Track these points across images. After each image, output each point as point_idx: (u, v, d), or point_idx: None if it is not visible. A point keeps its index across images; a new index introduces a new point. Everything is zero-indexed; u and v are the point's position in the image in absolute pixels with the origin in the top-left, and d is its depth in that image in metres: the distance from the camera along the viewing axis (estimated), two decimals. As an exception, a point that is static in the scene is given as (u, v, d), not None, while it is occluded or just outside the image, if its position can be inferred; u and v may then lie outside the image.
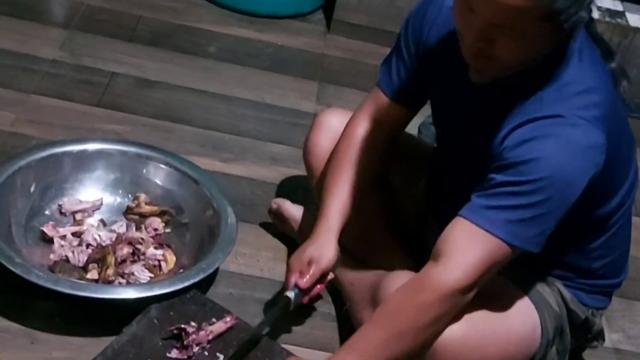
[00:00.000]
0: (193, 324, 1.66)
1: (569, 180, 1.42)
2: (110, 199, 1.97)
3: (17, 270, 1.64)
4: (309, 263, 1.66)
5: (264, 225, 2.08)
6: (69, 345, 1.68)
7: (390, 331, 1.48)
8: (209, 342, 1.65)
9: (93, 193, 1.96)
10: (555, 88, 1.45)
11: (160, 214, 1.95)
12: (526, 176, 1.41)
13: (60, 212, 1.91)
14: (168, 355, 1.62)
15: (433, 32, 1.63)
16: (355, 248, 1.86)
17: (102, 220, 1.93)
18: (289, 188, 2.21)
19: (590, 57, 1.48)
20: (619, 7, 2.94)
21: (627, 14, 2.90)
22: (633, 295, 2.14)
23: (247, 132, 2.41)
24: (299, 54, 2.85)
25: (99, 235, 1.86)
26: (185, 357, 1.62)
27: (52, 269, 1.77)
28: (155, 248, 1.87)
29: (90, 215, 1.93)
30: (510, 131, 1.45)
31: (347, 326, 1.80)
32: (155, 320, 1.67)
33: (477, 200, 1.46)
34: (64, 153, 1.94)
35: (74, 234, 1.86)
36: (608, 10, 2.90)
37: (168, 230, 1.94)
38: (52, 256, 1.81)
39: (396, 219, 1.92)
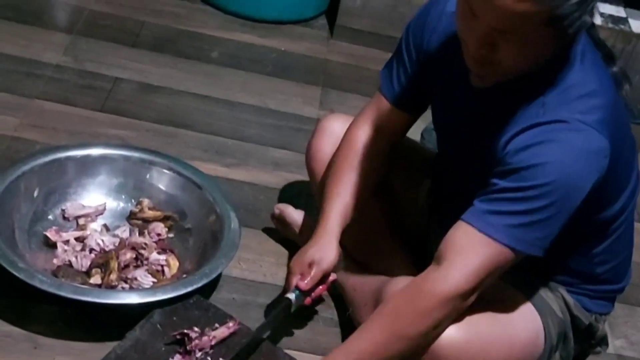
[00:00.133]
0: (196, 329, 1.66)
1: (573, 185, 1.42)
2: (114, 204, 1.97)
3: (21, 275, 1.64)
4: (310, 265, 1.66)
5: (267, 231, 2.08)
6: (72, 350, 1.68)
7: (389, 333, 1.49)
8: (211, 347, 1.65)
9: (96, 198, 1.96)
10: (558, 92, 1.45)
11: (164, 219, 1.95)
12: (529, 182, 1.41)
13: (64, 217, 1.91)
14: (171, 360, 1.63)
15: (434, 37, 1.63)
16: (358, 252, 1.87)
17: (105, 225, 1.93)
18: (292, 193, 2.22)
19: (591, 60, 1.48)
20: (622, 13, 2.94)
21: (630, 20, 2.90)
22: (635, 301, 2.14)
23: (250, 137, 2.41)
24: (301, 59, 2.85)
25: (102, 240, 1.86)
26: (188, 362, 1.63)
27: (55, 273, 1.77)
28: (159, 253, 1.87)
29: (93, 220, 1.93)
30: (513, 136, 1.45)
31: (350, 331, 1.77)
32: (158, 326, 1.67)
33: (480, 205, 1.46)
34: (68, 158, 1.94)
35: (77, 239, 1.86)
36: (611, 16, 2.90)
37: (171, 235, 1.94)
38: (55, 261, 1.81)
39: (399, 224, 1.92)
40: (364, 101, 1.81)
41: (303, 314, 1.85)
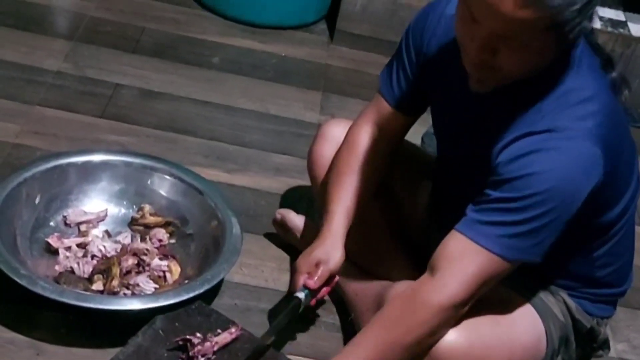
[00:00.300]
0: (198, 335, 1.66)
1: (565, 194, 1.41)
2: (115, 210, 1.97)
3: (23, 282, 1.64)
4: (317, 264, 1.66)
5: (269, 236, 2.08)
6: (75, 357, 1.68)
7: (384, 343, 1.50)
8: (214, 353, 1.65)
9: (98, 204, 1.96)
10: (553, 98, 1.44)
11: (165, 225, 1.95)
12: (522, 192, 1.41)
13: (65, 224, 1.92)
14: (173, 366, 1.63)
15: (434, 40, 1.63)
16: (359, 257, 1.86)
17: (106, 232, 1.93)
18: (293, 198, 2.22)
19: (588, 65, 1.47)
20: (622, 17, 2.94)
21: (630, 24, 2.90)
22: (637, 305, 2.14)
23: (251, 142, 2.41)
24: (302, 64, 2.85)
25: (104, 247, 1.86)
26: (191, 368, 1.63)
27: (57, 280, 1.77)
28: (160, 259, 1.87)
29: (95, 227, 1.93)
30: (507, 144, 1.45)
31: (351, 336, 1.78)
32: (161, 331, 1.67)
33: (473, 215, 1.46)
34: (69, 164, 1.94)
35: (78, 245, 1.86)
36: (610, 20, 2.91)
37: (173, 241, 1.94)
38: (57, 267, 1.81)
39: (400, 227, 1.92)
40: (364, 106, 1.81)
41: (305, 319, 1.85)
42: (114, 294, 1.77)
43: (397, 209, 1.92)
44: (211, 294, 1.83)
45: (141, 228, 1.94)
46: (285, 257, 2.03)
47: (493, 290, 1.51)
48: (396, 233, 1.91)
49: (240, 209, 2.04)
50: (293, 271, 1.71)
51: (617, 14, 2.94)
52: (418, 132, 2.33)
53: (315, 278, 1.65)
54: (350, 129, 1.79)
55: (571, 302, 1.68)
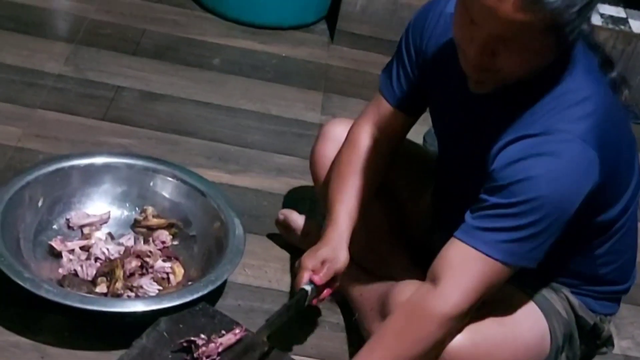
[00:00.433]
0: (203, 336, 1.66)
1: (562, 198, 1.41)
2: (118, 213, 1.97)
3: (27, 285, 1.64)
4: (323, 262, 1.65)
5: (272, 237, 2.08)
6: None
7: (392, 354, 1.49)
8: (218, 354, 1.65)
9: (100, 207, 1.96)
10: (550, 100, 1.44)
11: (168, 227, 1.95)
12: (519, 197, 1.41)
13: (68, 226, 1.92)
14: (178, 367, 1.63)
15: (433, 38, 1.62)
16: (363, 257, 1.86)
17: (110, 234, 1.93)
18: (296, 199, 2.22)
19: (586, 66, 1.47)
20: (622, 13, 2.94)
21: (630, 21, 2.91)
22: (642, 301, 2.15)
23: (253, 143, 2.41)
24: (303, 64, 2.85)
25: (107, 249, 1.86)
26: (195, 369, 1.63)
27: (60, 283, 1.77)
28: (164, 261, 1.87)
29: (98, 229, 1.93)
30: (503, 147, 1.45)
31: (356, 337, 1.80)
32: (165, 333, 1.67)
33: (472, 221, 1.46)
34: (71, 167, 1.94)
35: (82, 248, 1.86)
36: (611, 17, 2.91)
37: (176, 242, 1.94)
38: (60, 270, 1.81)
39: (402, 227, 1.92)
40: (365, 105, 1.81)
41: (309, 319, 1.85)
42: (118, 296, 1.77)
43: (399, 209, 1.92)
44: (215, 295, 1.84)
45: (144, 230, 1.94)
46: (289, 258, 2.03)
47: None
48: (398, 232, 1.91)
49: (243, 210, 2.04)
50: (295, 270, 1.70)
51: (617, 11, 2.95)
52: (420, 131, 2.33)
53: (321, 274, 1.64)
54: (350, 129, 1.79)
55: (574, 300, 1.68)
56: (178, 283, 1.84)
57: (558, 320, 1.65)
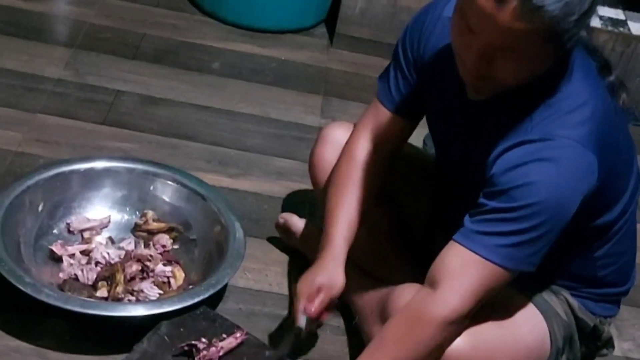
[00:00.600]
0: (204, 340, 1.66)
1: (561, 203, 1.41)
2: (118, 217, 1.97)
3: (27, 290, 1.64)
4: (319, 290, 1.63)
5: (272, 240, 2.08)
6: (80, 364, 1.68)
7: (390, 358, 1.49)
8: (220, 358, 1.65)
9: (101, 211, 1.96)
10: (547, 106, 1.44)
11: (168, 231, 1.95)
12: (518, 202, 1.40)
13: (69, 231, 1.92)
14: (179, 371, 1.63)
15: (431, 42, 1.61)
16: (363, 260, 1.86)
17: (110, 238, 1.93)
18: (296, 202, 2.22)
19: (584, 71, 1.46)
20: (621, 16, 2.94)
21: (629, 23, 2.91)
22: (642, 303, 2.15)
23: (253, 147, 2.41)
24: (302, 68, 2.86)
25: (108, 253, 1.86)
26: (197, 373, 1.63)
27: (61, 287, 1.77)
28: (164, 265, 1.87)
29: (98, 233, 1.93)
30: (501, 153, 1.45)
31: (356, 340, 1.80)
32: (166, 337, 1.67)
33: (471, 225, 1.45)
34: (71, 172, 1.94)
35: (82, 252, 1.87)
36: (610, 19, 2.91)
37: (176, 246, 1.94)
38: (61, 275, 1.81)
39: (403, 229, 1.92)
40: (364, 110, 1.81)
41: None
42: (119, 300, 1.77)
43: (399, 211, 1.92)
44: (216, 299, 1.84)
45: (144, 234, 1.95)
46: (289, 261, 2.04)
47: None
48: (398, 235, 1.91)
49: (243, 214, 2.04)
50: (293, 296, 1.69)
51: (616, 13, 2.95)
52: (419, 134, 2.32)
53: (315, 305, 1.62)
54: (348, 139, 1.76)
55: (573, 302, 1.68)
56: (179, 287, 1.84)
57: (558, 322, 1.65)
